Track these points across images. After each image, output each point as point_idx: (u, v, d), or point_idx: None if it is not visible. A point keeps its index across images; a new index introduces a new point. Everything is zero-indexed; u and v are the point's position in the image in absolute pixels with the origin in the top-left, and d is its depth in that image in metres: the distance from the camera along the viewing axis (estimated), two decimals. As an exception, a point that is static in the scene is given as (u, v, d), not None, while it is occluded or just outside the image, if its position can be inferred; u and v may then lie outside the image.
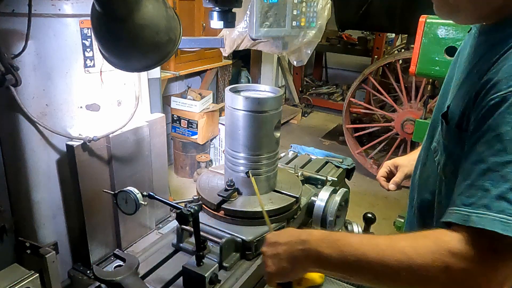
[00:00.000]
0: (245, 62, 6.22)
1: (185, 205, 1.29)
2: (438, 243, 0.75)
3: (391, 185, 1.45)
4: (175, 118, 4.33)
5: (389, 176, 1.49)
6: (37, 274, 1.36)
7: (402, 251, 0.78)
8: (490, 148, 0.73)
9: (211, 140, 4.53)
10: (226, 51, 2.10)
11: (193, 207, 1.09)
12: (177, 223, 1.25)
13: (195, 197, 1.47)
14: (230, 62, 4.78)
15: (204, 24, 3.99)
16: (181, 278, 1.17)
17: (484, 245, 0.71)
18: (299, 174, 1.66)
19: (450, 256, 0.73)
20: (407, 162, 1.45)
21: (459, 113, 0.87)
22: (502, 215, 0.69)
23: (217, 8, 1.40)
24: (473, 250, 0.72)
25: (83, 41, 1.53)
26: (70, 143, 1.53)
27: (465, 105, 0.85)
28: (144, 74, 1.88)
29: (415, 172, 1.20)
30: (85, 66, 1.56)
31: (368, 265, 0.81)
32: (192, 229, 1.19)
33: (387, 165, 1.51)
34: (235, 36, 2.00)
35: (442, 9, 0.92)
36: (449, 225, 0.77)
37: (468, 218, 0.73)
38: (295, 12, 1.91)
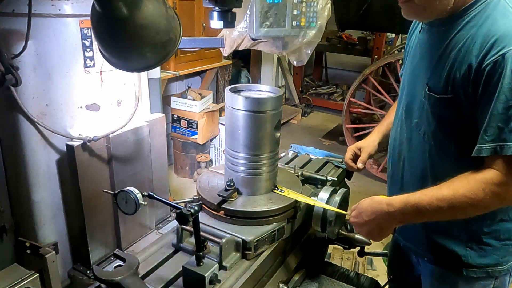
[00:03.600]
0: (245, 62, 6.22)
1: (185, 205, 1.29)
2: (485, 182, 1.08)
3: (360, 164, 1.66)
4: (175, 118, 4.33)
5: (355, 158, 1.69)
6: (37, 274, 1.36)
7: (464, 195, 1.09)
8: (499, 109, 1.05)
9: (211, 140, 4.53)
10: (226, 51, 2.09)
11: (193, 207, 1.09)
12: (177, 223, 1.25)
13: (195, 197, 1.47)
14: (230, 62, 4.78)
15: (204, 24, 3.99)
16: (181, 278, 1.17)
17: None
18: (299, 174, 1.66)
19: (496, 186, 1.07)
20: (368, 143, 1.68)
21: (442, 85, 1.17)
22: None
23: (217, 8, 1.40)
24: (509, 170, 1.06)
25: (83, 41, 1.53)
26: (70, 143, 1.53)
27: (447, 78, 1.16)
28: (144, 74, 1.88)
29: (395, 153, 1.44)
30: (85, 66, 1.56)
31: (440, 215, 1.16)
32: (192, 229, 1.19)
33: (351, 149, 1.71)
34: (235, 36, 2.00)
35: (411, 10, 1.24)
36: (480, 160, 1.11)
37: (498, 149, 1.06)
38: (295, 12, 1.91)
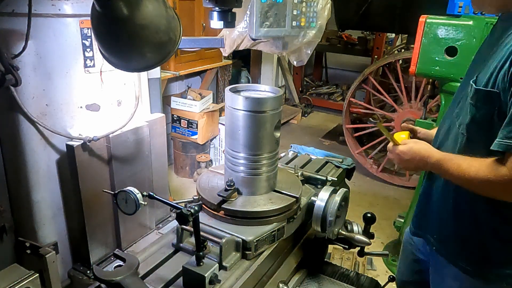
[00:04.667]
0: (245, 62, 6.22)
1: (185, 205, 1.29)
2: (489, 165, 1.16)
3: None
4: (175, 118, 4.33)
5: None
6: (37, 274, 1.36)
7: (477, 172, 1.19)
8: None
9: (211, 140, 4.53)
10: (226, 51, 2.09)
11: (193, 207, 1.09)
12: (177, 223, 1.25)
13: (195, 197, 1.47)
14: (230, 62, 4.78)
15: (204, 24, 3.99)
16: (181, 278, 1.17)
17: None
18: (299, 174, 1.66)
19: (499, 176, 1.13)
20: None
21: (486, 78, 1.19)
22: None
23: (217, 8, 1.40)
24: None
25: (83, 41, 1.53)
26: (70, 143, 1.53)
27: (494, 70, 1.16)
28: (144, 74, 1.88)
29: (436, 141, 1.50)
30: (85, 66, 1.56)
31: (457, 178, 1.27)
32: (192, 229, 1.19)
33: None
34: (235, 36, 2.00)
35: (476, 2, 1.34)
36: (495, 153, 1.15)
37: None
38: (295, 12, 1.91)
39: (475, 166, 1.21)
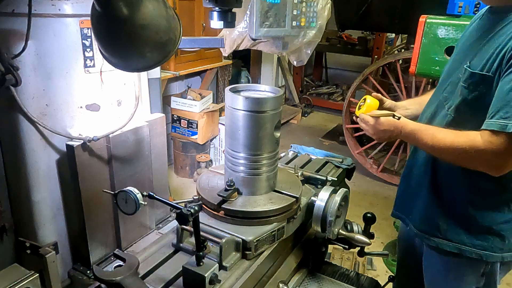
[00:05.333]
0: (245, 62, 6.22)
1: (185, 205, 1.29)
2: (470, 140, 1.26)
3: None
4: (175, 118, 4.33)
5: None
6: (37, 274, 1.36)
7: (452, 141, 1.30)
8: None
9: (211, 140, 4.53)
10: (226, 51, 2.09)
11: (193, 207, 1.09)
12: (177, 223, 1.25)
13: (195, 197, 1.47)
14: (230, 62, 4.78)
15: (204, 24, 3.99)
16: (181, 278, 1.17)
17: (506, 141, 1.19)
18: (299, 174, 1.66)
19: (476, 149, 1.24)
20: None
21: (483, 63, 1.29)
22: None
23: (217, 8, 1.40)
24: (503, 144, 1.20)
25: (83, 41, 1.53)
26: (70, 143, 1.53)
27: (489, 57, 1.27)
28: (144, 74, 1.88)
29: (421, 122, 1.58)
30: (85, 66, 1.56)
31: (431, 147, 1.38)
32: (192, 229, 1.19)
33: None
34: (235, 36, 2.00)
35: None
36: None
37: (506, 126, 1.18)
38: (295, 12, 1.91)
39: (451, 137, 1.32)
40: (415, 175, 1.61)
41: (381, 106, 1.70)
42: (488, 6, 1.43)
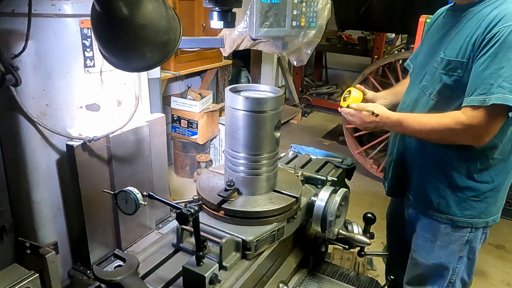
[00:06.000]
0: (245, 62, 6.22)
1: (185, 205, 1.29)
2: (453, 118, 1.44)
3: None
4: (175, 118, 4.33)
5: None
6: (37, 274, 1.36)
7: (438, 122, 1.48)
8: (491, 62, 1.36)
9: (211, 140, 4.53)
10: (226, 51, 2.09)
11: (193, 207, 1.09)
12: (177, 223, 1.25)
13: (195, 197, 1.47)
14: (230, 62, 4.78)
15: (204, 24, 3.99)
16: (181, 278, 1.17)
17: (488, 114, 1.37)
18: (299, 174, 1.66)
19: (460, 124, 1.41)
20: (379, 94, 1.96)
21: (456, 52, 1.49)
22: (500, 94, 1.33)
23: (217, 8, 1.40)
24: (482, 117, 1.38)
25: (83, 41, 1.53)
26: (70, 143, 1.53)
27: (461, 46, 1.47)
28: (144, 74, 1.88)
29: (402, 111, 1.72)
30: (85, 66, 1.56)
31: (418, 131, 1.55)
32: (192, 229, 1.19)
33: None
34: (235, 36, 2.00)
35: None
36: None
37: (484, 101, 1.36)
38: (295, 12, 1.90)
39: (435, 119, 1.48)
40: (408, 158, 1.76)
41: (364, 98, 1.81)
42: (450, 5, 1.66)
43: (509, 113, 1.37)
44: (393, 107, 1.81)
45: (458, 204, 1.63)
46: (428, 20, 2.51)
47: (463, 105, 1.43)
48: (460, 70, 1.48)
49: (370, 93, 1.90)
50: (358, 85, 1.84)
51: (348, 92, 1.78)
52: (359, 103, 1.71)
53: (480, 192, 1.61)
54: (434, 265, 1.72)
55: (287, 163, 1.91)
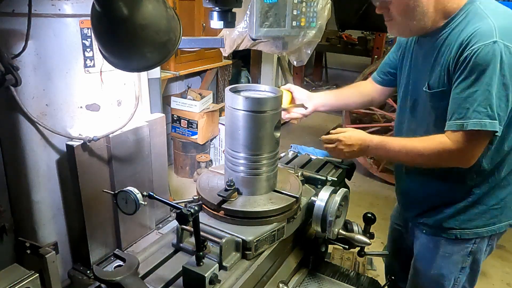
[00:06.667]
0: (245, 62, 6.22)
1: (185, 205, 1.29)
2: (444, 142, 1.41)
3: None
4: (175, 118, 4.33)
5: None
6: (37, 274, 1.35)
7: (425, 147, 1.46)
8: (466, 86, 1.34)
9: (211, 140, 4.53)
10: (226, 51, 2.09)
11: (193, 207, 1.09)
12: (177, 223, 1.25)
13: (195, 197, 1.47)
14: (230, 62, 4.78)
15: (204, 24, 3.99)
16: (181, 278, 1.17)
17: (468, 138, 1.36)
18: (299, 174, 1.66)
19: (445, 149, 1.40)
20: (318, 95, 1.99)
21: (438, 82, 1.47)
22: (477, 119, 1.32)
23: (217, 8, 1.40)
24: (463, 141, 1.37)
25: (83, 41, 1.53)
26: (70, 143, 1.53)
27: (440, 75, 1.45)
28: (144, 74, 1.88)
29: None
30: (85, 66, 1.56)
31: (404, 154, 1.52)
32: (192, 229, 1.19)
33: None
34: (235, 36, 2.00)
35: (393, 28, 1.54)
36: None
37: (462, 125, 1.35)
38: (295, 12, 1.91)
39: (421, 143, 1.47)
40: (418, 175, 1.70)
41: (297, 98, 1.82)
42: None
43: (495, 134, 1.35)
44: (333, 111, 1.79)
45: (463, 221, 1.61)
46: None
47: (445, 128, 1.42)
48: (445, 97, 1.45)
49: (305, 93, 1.87)
50: (288, 85, 1.82)
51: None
52: (290, 105, 1.71)
53: (490, 205, 1.59)
54: (435, 275, 1.69)
55: (287, 163, 1.91)
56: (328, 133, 1.69)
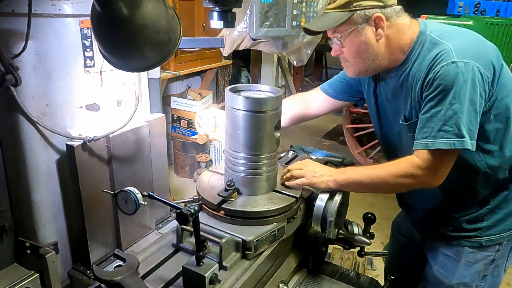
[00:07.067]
0: (245, 62, 6.23)
1: (185, 205, 1.29)
2: (409, 164, 1.40)
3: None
4: (175, 118, 4.34)
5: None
6: (37, 274, 1.35)
7: (390, 174, 1.43)
8: (431, 106, 1.36)
9: (211, 140, 4.53)
10: (226, 51, 2.10)
11: (193, 207, 1.09)
12: (177, 223, 1.25)
13: (195, 197, 1.47)
14: (230, 62, 4.78)
15: (204, 24, 3.99)
16: (181, 278, 1.17)
17: (435, 156, 1.36)
18: (299, 174, 1.65)
19: (416, 168, 1.38)
20: None
21: (410, 113, 1.48)
22: (444, 139, 1.33)
23: (217, 8, 1.40)
24: (429, 161, 1.36)
25: (83, 41, 1.53)
26: (70, 143, 1.53)
27: (411, 106, 1.47)
28: (144, 74, 1.88)
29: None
30: (85, 66, 1.56)
31: (372, 181, 1.46)
32: (192, 229, 1.19)
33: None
34: (235, 36, 2.00)
35: (350, 69, 1.57)
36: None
37: (428, 145, 1.36)
38: (295, 12, 1.91)
39: (387, 168, 1.45)
40: (426, 197, 1.65)
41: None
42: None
43: (471, 149, 1.33)
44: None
45: (486, 228, 1.58)
46: (428, 21, 2.50)
47: (413, 148, 1.41)
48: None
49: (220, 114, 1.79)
50: (211, 111, 1.79)
51: (199, 117, 1.72)
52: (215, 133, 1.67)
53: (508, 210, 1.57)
54: (458, 285, 1.65)
55: (287, 163, 1.91)
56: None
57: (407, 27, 1.47)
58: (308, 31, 1.56)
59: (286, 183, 1.52)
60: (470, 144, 1.32)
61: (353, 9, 1.41)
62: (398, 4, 1.47)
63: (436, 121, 1.34)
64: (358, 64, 1.52)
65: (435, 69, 1.34)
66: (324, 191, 1.47)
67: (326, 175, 1.48)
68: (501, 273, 1.65)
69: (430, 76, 1.36)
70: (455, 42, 1.38)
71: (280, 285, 1.41)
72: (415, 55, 1.45)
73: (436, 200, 1.61)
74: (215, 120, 1.75)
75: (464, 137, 1.31)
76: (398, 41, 1.47)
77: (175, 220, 1.14)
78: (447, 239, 1.65)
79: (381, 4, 1.41)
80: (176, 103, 4.30)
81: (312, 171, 1.50)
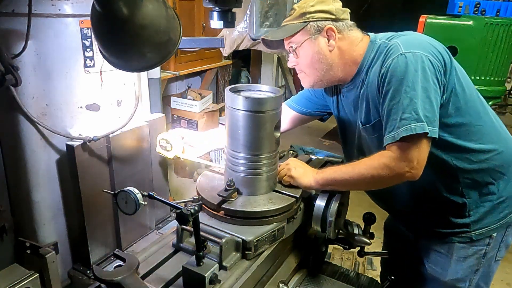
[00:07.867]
0: (245, 62, 6.23)
1: (185, 205, 1.29)
2: (381, 156, 1.40)
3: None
4: (175, 118, 4.34)
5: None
6: (37, 274, 1.36)
7: (364, 167, 1.42)
8: (389, 99, 1.38)
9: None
10: (226, 51, 2.10)
11: (193, 207, 1.09)
12: (177, 223, 1.25)
13: (195, 197, 1.47)
14: (230, 62, 4.78)
15: (204, 24, 3.99)
16: (181, 278, 1.17)
17: (403, 146, 1.35)
18: (299, 174, 1.65)
19: (389, 159, 1.37)
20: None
21: (368, 116, 1.53)
22: (405, 126, 1.33)
23: (217, 8, 1.40)
24: (398, 150, 1.36)
25: (83, 41, 1.53)
26: (70, 143, 1.53)
27: (368, 109, 1.51)
28: (144, 74, 1.88)
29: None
30: (85, 66, 1.56)
31: (355, 177, 1.44)
32: (192, 229, 1.19)
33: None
34: (235, 36, 2.00)
35: (305, 80, 1.61)
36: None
37: (394, 137, 1.35)
38: (295, 12, 1.90)
39: (363, 163, 1.44)
40: (406, 197, 1.66)
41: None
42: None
43: (433, 136, 1.34)
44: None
45: (473, 222, 1.59)
46: (428, 20, 2.51)
47: (383, 144, 1.41)
48: (380, 129, 1.46)
49: (195, 135, 1.85)
50: (176, 131, 1.80)
51: (165, 141, 1.73)
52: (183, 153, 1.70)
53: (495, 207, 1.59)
54: (452, 280, 1.67)
55: (287, 163, 1.91)
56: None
57: (358, 40, 1.54)
58: (265, 42, 1.62)
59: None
60: (429, 129, 1.32)
61: (307, 20, 1.48)
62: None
63: (396, 112, 1.36)
64: (312, 75, 1.57)
65: (386, 63, 1.39)
66: (324, 191, 1.48)
67: (307, 176, 1.50)
68: (492, 263, 1.67)
69: (383, 71, 1.40)
70: (402, 38, 1.45)
71: (280, 285, 1.41)
72: (367, 64, 1.51)
73: (417, 199, 1.63)
74: (183, 141, 1.76)
75: (422, 122, 1.32)
76: (350, 53, 1.53)
77: (175, 220, 1.14)
78: (438, 236, 1.66)
79: (333, 17, 1.50)
80: (176, 103, 4.30)
81: (293, 171, 1.52)
